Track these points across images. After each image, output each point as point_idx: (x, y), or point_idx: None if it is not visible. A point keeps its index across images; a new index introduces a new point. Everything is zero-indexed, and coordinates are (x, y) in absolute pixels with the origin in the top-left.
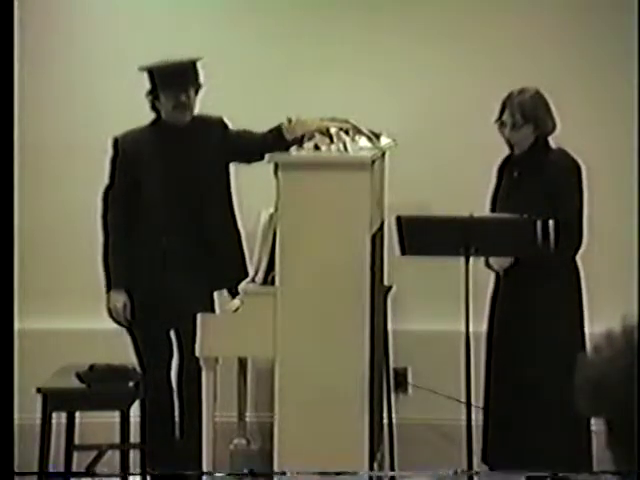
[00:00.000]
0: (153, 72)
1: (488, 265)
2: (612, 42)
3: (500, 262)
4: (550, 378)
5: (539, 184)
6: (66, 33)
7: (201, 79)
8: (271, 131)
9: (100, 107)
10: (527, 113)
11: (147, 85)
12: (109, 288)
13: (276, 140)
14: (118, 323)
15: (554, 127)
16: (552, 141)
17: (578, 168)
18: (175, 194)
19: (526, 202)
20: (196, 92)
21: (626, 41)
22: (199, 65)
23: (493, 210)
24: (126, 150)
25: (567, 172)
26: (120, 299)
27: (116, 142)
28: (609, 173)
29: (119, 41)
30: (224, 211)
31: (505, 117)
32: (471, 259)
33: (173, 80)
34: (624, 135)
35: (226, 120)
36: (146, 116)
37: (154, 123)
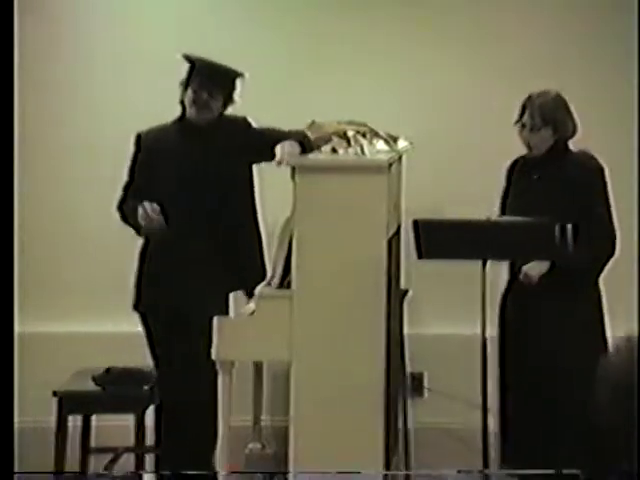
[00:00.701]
0: (193, 63)
1: (523, 275)
2: (613, 42)
3: (539, 269)
4: (570, 385)
5: (562, 186)
6: (67, 33)
7: (236, 95)
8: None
9: (101, 107)
10: (547, 115)
11: (151, 85)
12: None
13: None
14: (154, 231)
15: (575, 131)
16: (572, 145)
17: (602, 170)
18: (195, 193)
19: (549, 205)
20: (225, 103)
21: (626, 41)
22: (239, 82)
23: (503, 213)
24: (148, 147)
25: (592, 173)
26: (147, 204)
27: (138, 138)
28: (609, 170)
29: (122, 41)
30: (246, 212)
31: (525, 119)
32: (488, 263)
33: (202, 76)
34: (624, 135)
35: (250, 119)
36: (148, 116)
37: (179, 120)
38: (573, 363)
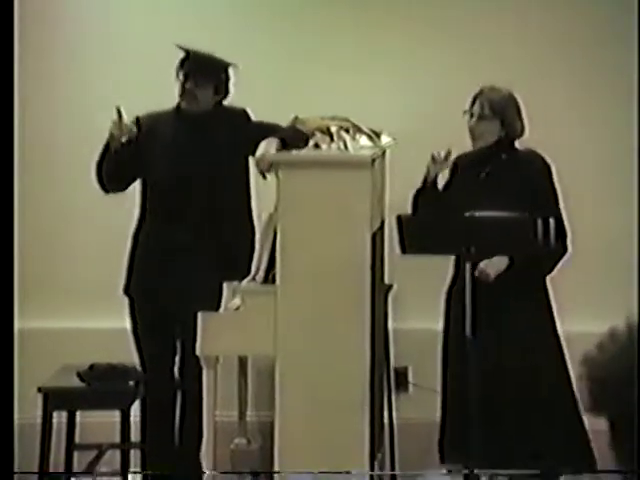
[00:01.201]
0: (187, 52)
1: (478, 271)
2: (613, 41)
3: (497, 267)
4: (520, 382)
5: (513, 184)
6: (66, 32)
7: (230, 86)
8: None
9: (100, 108)
10: (496, 107)
11: (151, 83)
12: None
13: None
14: (124, 137)
15: (522, 131)
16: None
17: (550, 167)
18: (186, 182)
19: (500, 203)
20: (216, 91)
21: (626, 40)
22: (231, 72)
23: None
24: (144, 131)
25: (542, 172)
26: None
27: (137, 122)
28: (609, 170)
29: (120, 41)
30: (239, 203)
31: (474, 108)
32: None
33: (191, 66)
34: (625, 135)
35: (249, 112)
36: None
37: (176, 108)
38: (523, 359)
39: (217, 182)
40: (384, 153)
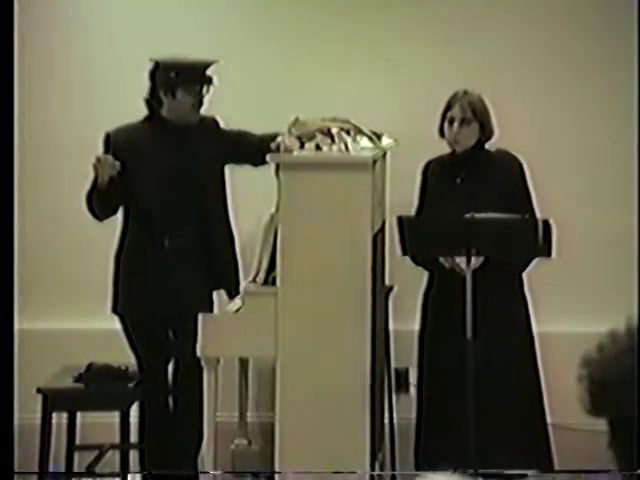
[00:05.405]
0: (175, 67)
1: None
2: (613, 41)
3: (473, 263)
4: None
5: (491, 187)
6: (66, 33)
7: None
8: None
9: (100, 107)
10: (477, 110)
11: (144, 83)
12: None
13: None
14: (109, 174)
15: (493, 133)
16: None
17: (522, 166)
18: (170, 194)
19: (479, 207)
20: (200, 102)
21: (626, 40)
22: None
23: (419, 214)
24: (119, 149)
25: (518, 173)
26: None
27: (107, 139)
28: (608, 171)
29: (118, 41)
30: (219, 212)
31: (454, 112)
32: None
33: (197, 78)
34: (622, 135)
35: (219, 119)
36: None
37: (149, 119)
38: (501, 359)
39: (200, 191)
40: (385, 154)
